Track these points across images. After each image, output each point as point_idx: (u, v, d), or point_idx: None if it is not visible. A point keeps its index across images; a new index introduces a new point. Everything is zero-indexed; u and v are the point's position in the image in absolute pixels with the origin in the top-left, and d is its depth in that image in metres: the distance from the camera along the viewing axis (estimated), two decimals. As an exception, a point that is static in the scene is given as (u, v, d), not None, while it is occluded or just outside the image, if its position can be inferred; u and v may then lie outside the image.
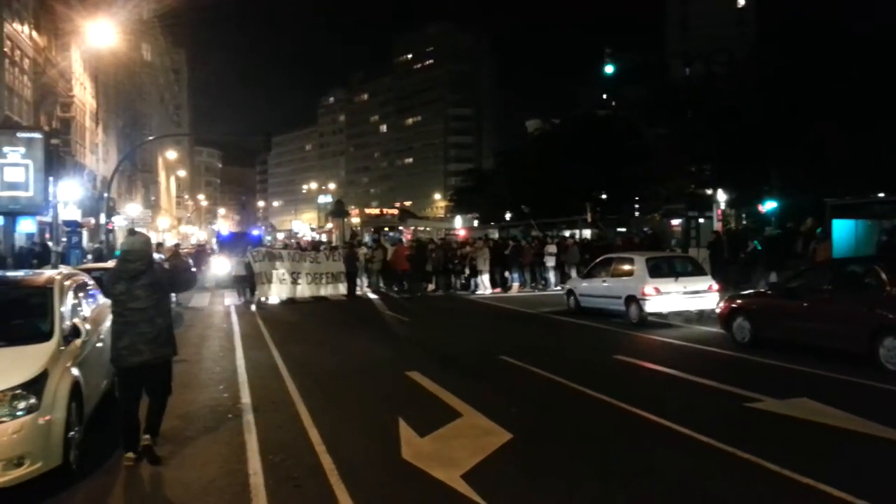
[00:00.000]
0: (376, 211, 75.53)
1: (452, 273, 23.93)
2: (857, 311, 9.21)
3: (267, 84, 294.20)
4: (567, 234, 32.15)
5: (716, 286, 14.16)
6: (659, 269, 14.04)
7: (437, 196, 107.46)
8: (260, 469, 5.66)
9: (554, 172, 44.54)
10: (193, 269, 19.80)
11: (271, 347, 12.18)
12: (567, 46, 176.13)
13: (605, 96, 62.46)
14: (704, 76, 27.69)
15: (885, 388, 7.93)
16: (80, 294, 7.14)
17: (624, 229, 34.00)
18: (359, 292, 22.69)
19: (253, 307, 19.25)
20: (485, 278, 22.26)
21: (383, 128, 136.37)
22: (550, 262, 22.92)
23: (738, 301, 11.63)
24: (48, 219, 22.00)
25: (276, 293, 20.45)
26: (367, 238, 37.13)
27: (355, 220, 58.13)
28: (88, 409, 6.26)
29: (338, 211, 53.73)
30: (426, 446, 6.15)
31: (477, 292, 22.20)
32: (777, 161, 28.87)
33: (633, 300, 13.83)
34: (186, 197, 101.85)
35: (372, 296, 22.52)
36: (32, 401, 5.10)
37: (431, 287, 23.42)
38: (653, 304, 13.51)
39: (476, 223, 51.90)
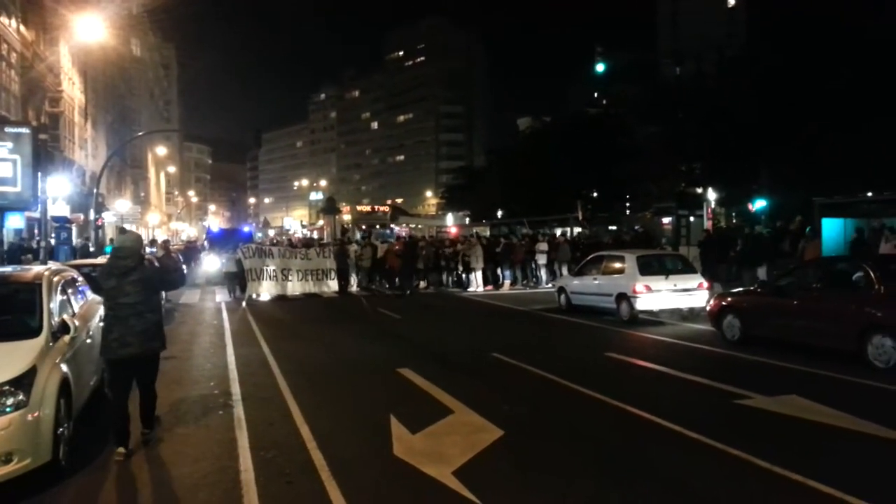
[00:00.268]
0: (368, 208, 75.44)
1: (444, 270, 23.96)
2: (846, 309, 9.25)
3: (258, 80, 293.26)
4: (558, 231, 32.23)
5: (706, 284, 14.24)
6: (649, 267, 14.10)
7: (429, 193, 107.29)
8: (251, 465, 5.65)
9: (545, 170, 44.68)
10: (183, 267, 19.74)
11: (262, 344, 12.15)
12: (559, 44, 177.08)
13: (595, 95, 62.65)
14: (695, 75, 27.79)
15: (873, 386, 7.99)
16: (69, 290, 7.13)
17: (615, 227, 34.08)
18: (350, 289, 22.69)
19: (243, 304, 19.21)
20: (478, 276, 22.29)
21: (374, 125, 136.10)
22: (542, 259, 23.07)
23: (728, 299, 11.68)
24: (37, 215, 21.86)
25: (266, 290, 20.52)
26: (357, 235, 37.04)
27: (347, 218, 57.95)
28: (78, 405, 6.24)
29: (329, 208, 53.59)
30: (418, 443, 6.15)
31: (469, 289, 22.23)
32: (768, 160, 28.95)
33: (624, 298, 13.88)
34: (176, 193, 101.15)
35: (363, 293, 22.52)
36: (21, 397, 5.07)
37: (423, 284, 23.43)
38: (643, 302, 13.58)
39: (468, 221, 51.90)
